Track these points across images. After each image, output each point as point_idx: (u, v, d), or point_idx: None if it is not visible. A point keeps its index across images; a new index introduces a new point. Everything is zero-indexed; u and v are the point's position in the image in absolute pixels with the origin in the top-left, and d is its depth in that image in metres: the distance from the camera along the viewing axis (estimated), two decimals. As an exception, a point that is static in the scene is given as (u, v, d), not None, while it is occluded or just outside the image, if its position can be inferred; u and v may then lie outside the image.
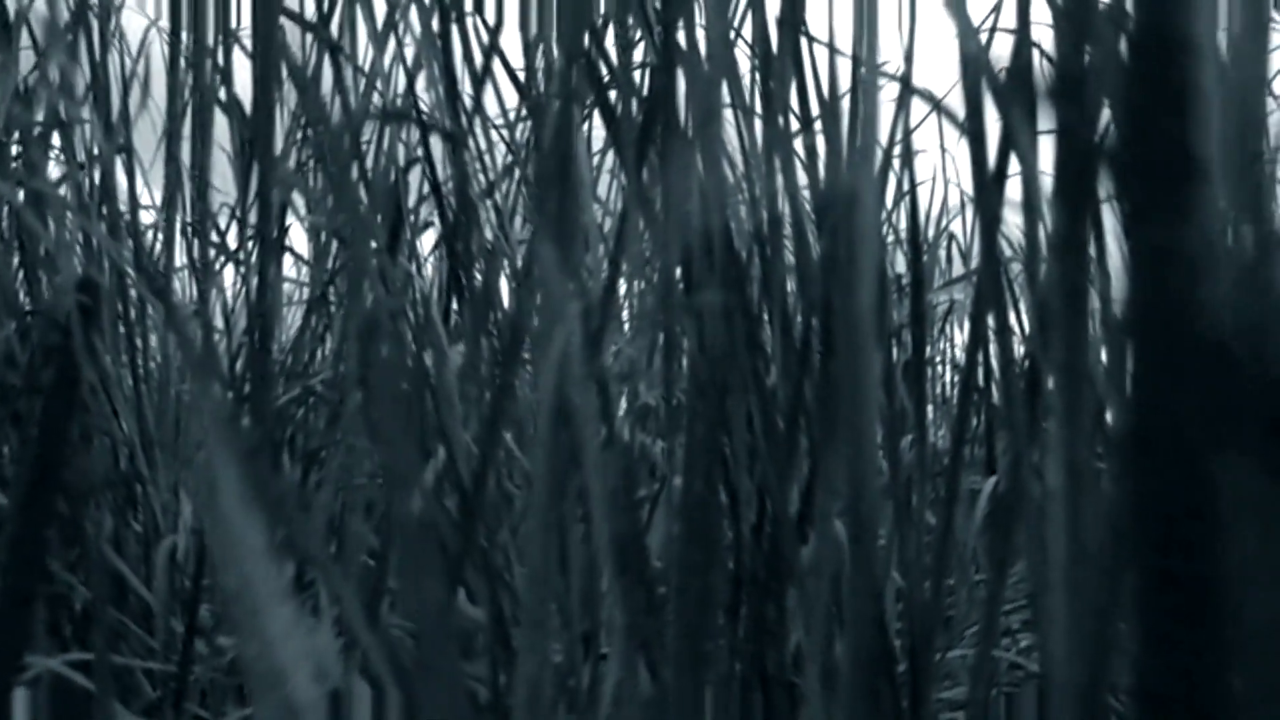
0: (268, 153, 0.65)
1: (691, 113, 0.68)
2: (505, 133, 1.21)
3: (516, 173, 1.21)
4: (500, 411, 0.61)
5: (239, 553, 0.36)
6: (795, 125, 0.72)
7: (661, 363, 0.69)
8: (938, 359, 1.93)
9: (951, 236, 2.24)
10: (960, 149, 2.13)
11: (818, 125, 0.71)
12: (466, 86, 1.01)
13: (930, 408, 1.91)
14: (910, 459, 0.80)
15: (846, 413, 0.45)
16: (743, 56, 0.95)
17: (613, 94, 0.78)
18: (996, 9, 1.26)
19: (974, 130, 0.67)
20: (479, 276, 0.95)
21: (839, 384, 0.45)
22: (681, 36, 0.71)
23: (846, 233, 0.44)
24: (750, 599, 0.67)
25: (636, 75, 0.98)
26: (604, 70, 0.80)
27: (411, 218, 1.26)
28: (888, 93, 0.72)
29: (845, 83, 0.69)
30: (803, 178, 0.72)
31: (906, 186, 0.81)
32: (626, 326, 1.52)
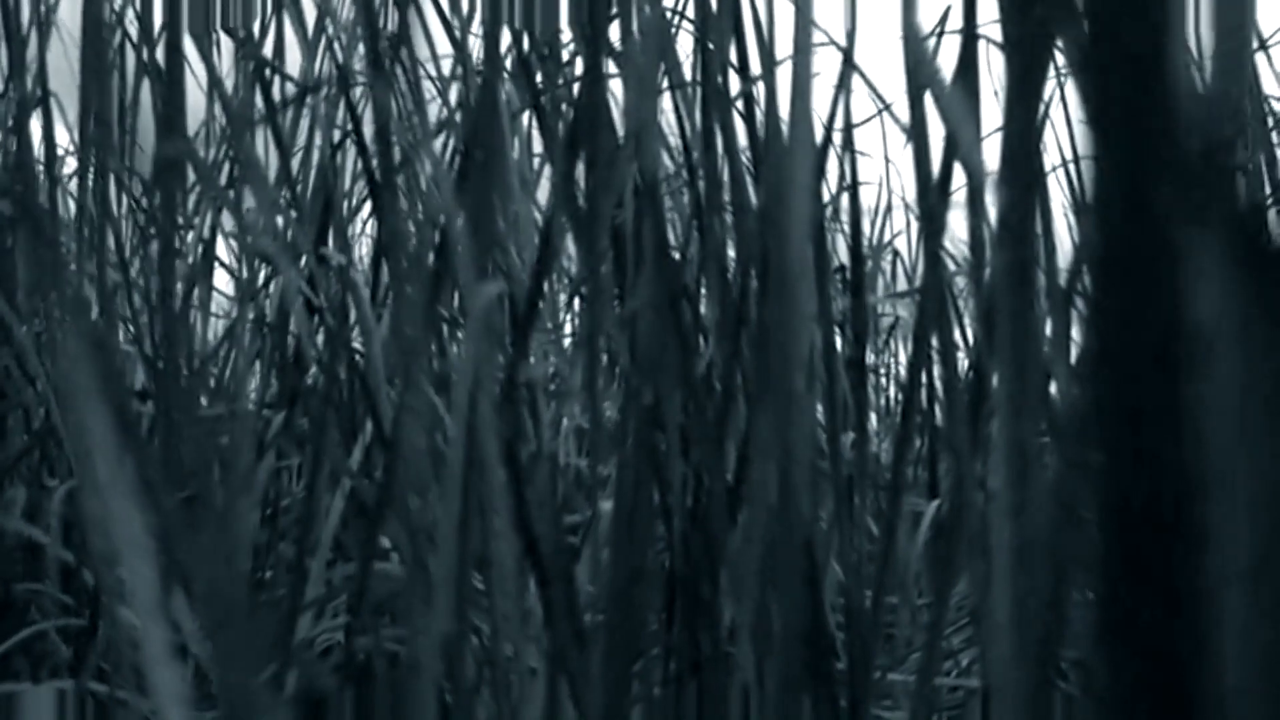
0: (176, 123, 0.63)
1: (626, 100, 0.66)
2: (439, 86, 1.18)
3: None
4: (418, 362, 0.58)
5: (118, 543, 0.33)
6: (735, 81, 0.70)
7: (588, 374, 0.66)
8: (881, 370, 1.92)
9: (896, 253, 2.23)
10: (905, 155, 2.12)
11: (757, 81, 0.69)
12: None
13: (874, 416, 1.89)
14: (852, 459, 0.78)
15: (778, 355, 0.43)
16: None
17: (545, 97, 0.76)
18: (944, 14, 1.25)
19: (918, 135, 0.65)
20: (412, 231, 0.92)
21: (771, 328, 0.43)
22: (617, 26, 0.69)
23: (780, 179, 0.42)
24: (684, 584, 0.65)
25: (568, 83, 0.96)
26: (536, 70, 0.78)
27: (347, 202, 1.24)
28: (829, 69, 0.70)
29: (785, 44, 0.67)
30: (742, 141, 0.70)
31: (848, 172, 0.80)
32: (567, 343, 1.49)
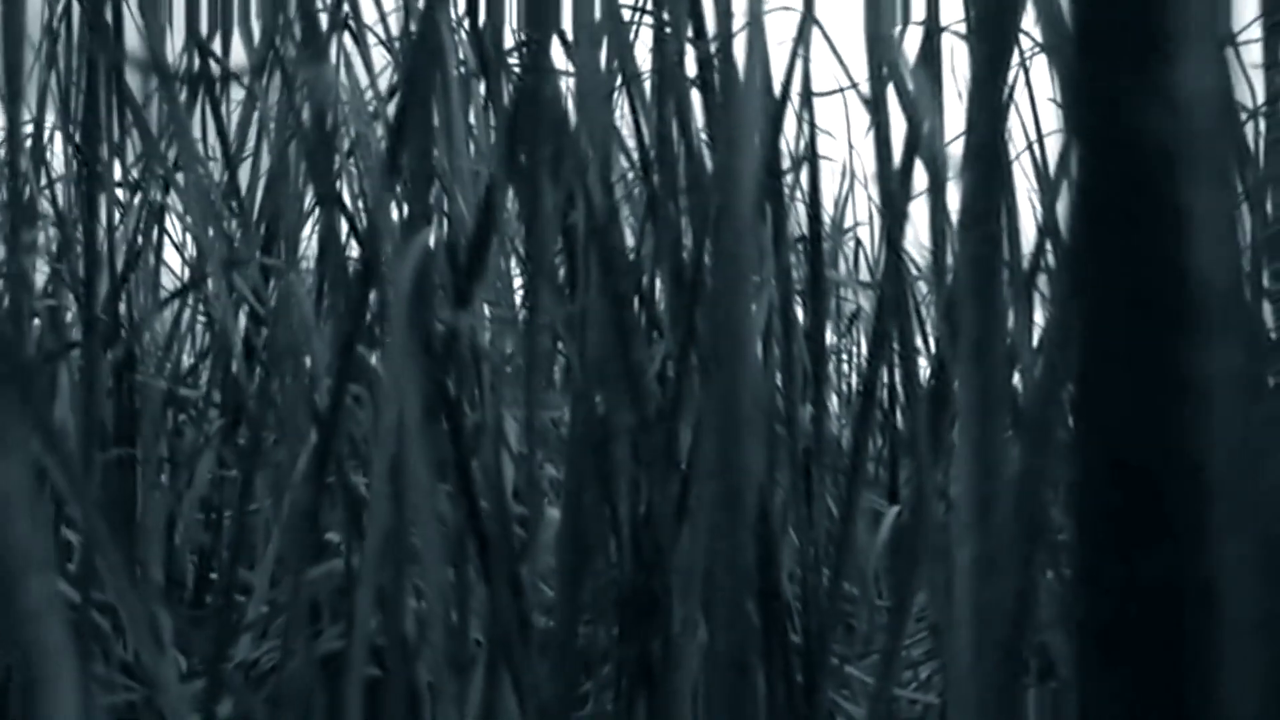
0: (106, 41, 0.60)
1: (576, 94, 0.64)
2: (388, 46, 1.15)
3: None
4: (353, 333, 0.56)
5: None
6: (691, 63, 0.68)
7: (529, 372, 0.64)
8: (843, 356, 1.90)
9: (858, 241, 2.21)
10: (868, 143, 2.11)
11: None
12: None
13: (835, 399, 1.87)
14: (810, 432, 0.76)
15: (726, 294, 0.41)
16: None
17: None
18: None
19: (879, 116, 0.63)
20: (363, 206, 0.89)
21: (720, 271, 0.41)
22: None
23: (732, 122, 0.40)
24: (634, 588, 0.63)
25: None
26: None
27: (300, 204, 1.21)
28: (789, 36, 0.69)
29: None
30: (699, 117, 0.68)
31: (806, 133, 0.78)
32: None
